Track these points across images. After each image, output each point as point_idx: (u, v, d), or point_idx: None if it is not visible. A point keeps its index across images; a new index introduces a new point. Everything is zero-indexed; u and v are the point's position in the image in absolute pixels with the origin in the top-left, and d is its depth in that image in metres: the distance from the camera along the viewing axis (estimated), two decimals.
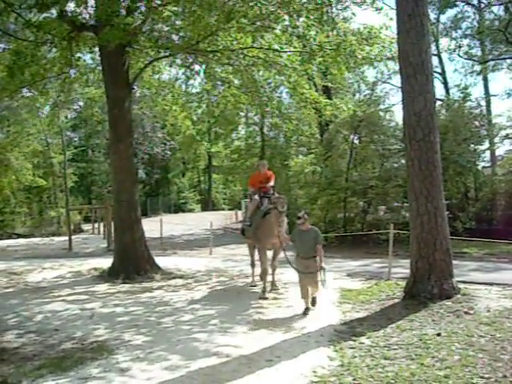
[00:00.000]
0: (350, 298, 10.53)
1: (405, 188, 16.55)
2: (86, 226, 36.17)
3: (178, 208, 53.54)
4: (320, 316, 9.02)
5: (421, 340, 7.16)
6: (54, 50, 16.05)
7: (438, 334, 7.35)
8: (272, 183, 12.47)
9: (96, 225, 32.83)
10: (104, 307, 10.55)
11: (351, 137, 23.83)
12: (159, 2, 14.01)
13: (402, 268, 12.74)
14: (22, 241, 29.20)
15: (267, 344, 7.45)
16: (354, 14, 14.88)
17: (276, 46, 15.38)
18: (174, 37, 15.47)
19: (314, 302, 9.47)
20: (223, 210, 54.01)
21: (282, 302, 10.39)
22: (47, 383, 6.14)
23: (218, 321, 9.02)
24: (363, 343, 7.25)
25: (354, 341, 7.36)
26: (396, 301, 9.75)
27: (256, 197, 12.26)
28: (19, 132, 33.12)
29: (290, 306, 10.03)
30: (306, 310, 9.24)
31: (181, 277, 14.30)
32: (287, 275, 12.38)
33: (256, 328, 8.39)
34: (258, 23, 13.87)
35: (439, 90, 34.56)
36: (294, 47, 15.25)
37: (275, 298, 10.83)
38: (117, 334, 8.31)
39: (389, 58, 15.60)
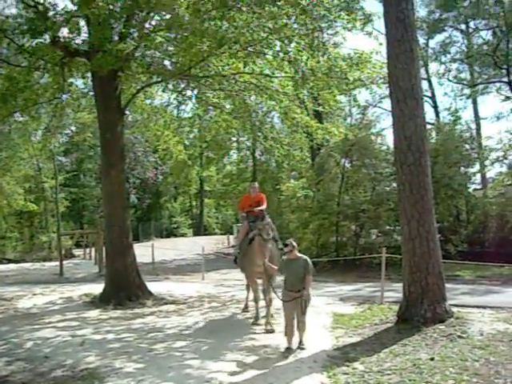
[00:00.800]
0: (342, 323, 10.50)
1: (397, 211, 16.56)
2: (78, 251, 35.94)
3: (170, 233, 53.34)
4: (313, 341, 8.95)
5: (414, 365, 7.12)
6: (47, 75, 16.14)
7: (432, 359, 7.32)
8: (262, 207, 11.78)
9: (87, 250, 32.62)
10: (95, 334, 10.47)
11: (342, 161, 23.89)
12: (151, 29, 14.14)
13: (395, 292, 12.72)
14: (12, 266, 29.00)
15: (260, 370, 7.41)
16: (344, 38, 15.07)
17: (267, 71, 15.51)
18: (166, 62, 15.60)
19: (301, 343, 8.61)
20: (215, 234, 53.85)
21: (275, 328, 10.32)
22: None
23: (210, 347, 8.96)
24: (356, 368, 7.21)
25: (348, 366, 7.33)
26: (389, 325, 9.72)
27: (246, 222, 11.80)
28: (11, 157, 33.05)
29: (282, 331, 9.94)
30: (287, 350, 8.43)
31: (173, 302, 14.22)
32: (279, 300, 12.30)
33: (249, 354, 8.34)
34: (250, 49, 14.00)
35: (429, 114, 34.91)
36: (286, 72, 15.35)
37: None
38: (108, 361, 8.23)
39: (383, 83, 15.70)
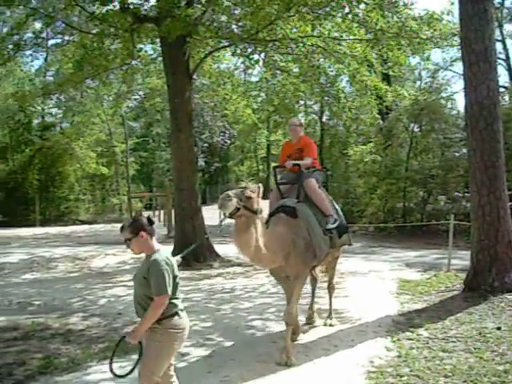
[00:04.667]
0: (408, 289, 10.44)
1: (466, 178, 16.24)
2: (147, 214, 36.85)
3: None
4: (378, 306, 8.99)
5: (480, 333, 7.04)
6: (117, 41, 16.45)
7: (498, 328, 7.22)
8: (306, 161, 7.53)
9: (156, 212, 33.38)
10: None
11: (411, 125, 23.48)
12: None
13: (462, 260, 12.56)
14: (85, 227, 30.01)
15: (324, 333, 7.51)
16: None
17: (336, 34, 15.30)
18: (234, 26, 15.57)
19: None
20: None
21: (339, 292, 10.34)
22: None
23: (275, 309, 9.10)
24: (421, 335, 7.18)
25: (412, 332, 7.30)
26: (455, 293, 9.62)
27: (275, 186, 7.72)
28: (84, 122, 34.07)
29: (346, 296, 10.04)
30: None
31: (239, 265, 14.43)
32: (344, 265, 12.37)
33: None
34: (318, 11, 13.81)
35: (503, 77, 33.62)
36: (354, 34, 15.11)
37: None
38: None
39: (454, 43, 15.20)
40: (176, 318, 4.35)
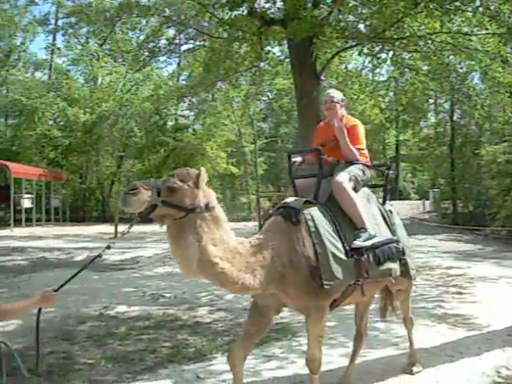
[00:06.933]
0: None
1: None
2: None
3: None
4: (508, 315, 8.58)
5: None
6: (245, 45, 16.91)
7: None
8: (349, 152, 5.40)
9: None
10: None
11: None
12: None
13: None
14: None
15: (449, 339, 7.28)
16: None
17: (466, 29, 14.80)
18: (360, 26, 15.50)
19: None
20: (409, 199, 52.86)
21: (467, 297, 10.03)
22: None
23: (399, 312, 8.96)
24: None
25: None
26: None
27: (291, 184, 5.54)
28: (214, 123, 35.17)
29: (474, 301, 9.67)
30: None
31: None
32: (474, 270, 11.94)
33: (438, 322, 8.21)
34: (447, 6, 13.43)
35: None
36: (486, 29, 14.53)
37: (459, 293, 10.45)
38: (300, 318, 8.52)
39: None
40: None
